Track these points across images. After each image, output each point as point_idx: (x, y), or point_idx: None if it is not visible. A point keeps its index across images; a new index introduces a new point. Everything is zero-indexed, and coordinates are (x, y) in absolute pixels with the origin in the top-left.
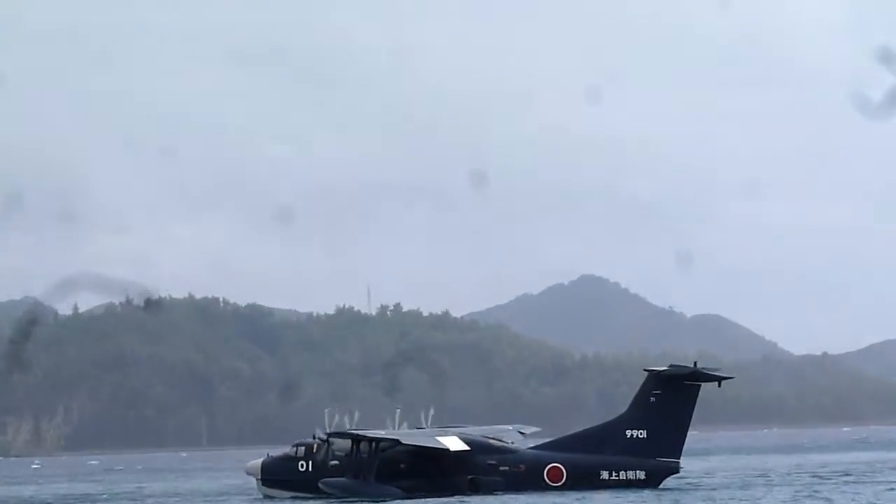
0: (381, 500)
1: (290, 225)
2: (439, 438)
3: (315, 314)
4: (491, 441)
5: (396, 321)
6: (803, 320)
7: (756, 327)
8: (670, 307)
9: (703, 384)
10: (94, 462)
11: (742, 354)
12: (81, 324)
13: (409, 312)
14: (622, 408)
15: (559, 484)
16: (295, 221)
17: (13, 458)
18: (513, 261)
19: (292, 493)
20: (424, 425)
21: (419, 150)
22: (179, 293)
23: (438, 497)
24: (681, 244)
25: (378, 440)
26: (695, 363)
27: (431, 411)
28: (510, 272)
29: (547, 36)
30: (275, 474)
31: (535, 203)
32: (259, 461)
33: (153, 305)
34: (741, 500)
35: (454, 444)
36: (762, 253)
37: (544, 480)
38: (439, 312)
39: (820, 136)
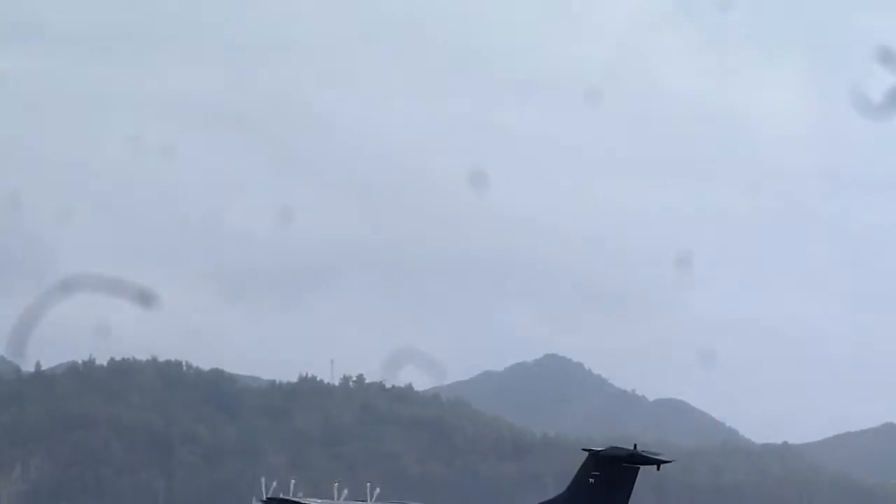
0: None
1: (255, 291)
2: None
3: (277, 382)
4: None
5: (359, 392)
6: (765, 408)
7: (717, 413)
8: (633, 390)
9: (642, 467)
10: None
11: (702, 440)
12: (43, 381)
13: (372, 384)
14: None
15: None
16: (260, 288)
17: None
18: (476, 338)
19: None
20: (368, 500)
21: (382, 219)
22: (142, 355)
23: None
24: (644, 329)
25: None
26: (634, 445)
27: (378, 490)
28: (473, 349)
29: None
30: None
31: (498, 281)
32: None
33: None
34: None
35: None
36: (722, 338)
37: None
38: (402, 385)
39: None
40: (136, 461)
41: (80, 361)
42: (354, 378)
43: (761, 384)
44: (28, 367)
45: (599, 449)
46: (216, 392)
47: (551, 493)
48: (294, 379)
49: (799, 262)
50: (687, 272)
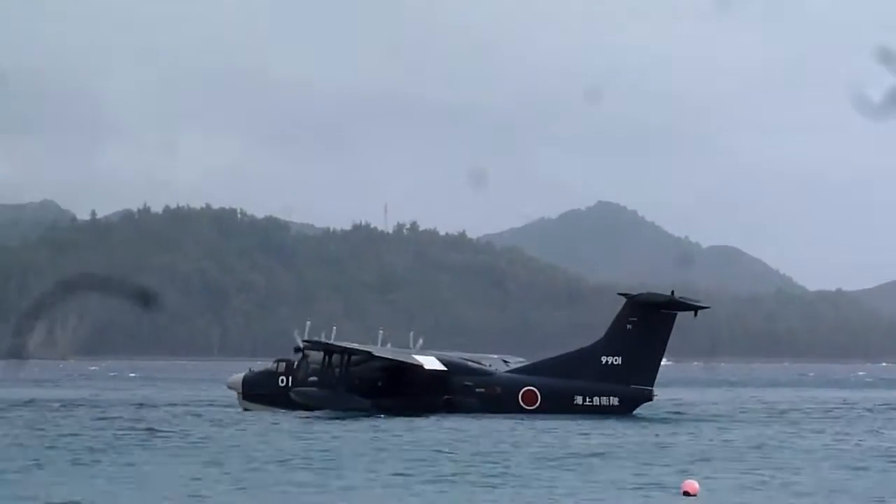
0: (349, 411)
1: (308, 139)
2: (415, 356)
3: (331, 229)
4: (469, 363)
5: (412, 239)
6: (819, 256)
7: (771, 261)
8: (686, 237)
9: (680, 313)
10: (94, 368)
11: (756, 287)
12: (99, 229)
13: (426, 231)
14: None
15: (534, 407)
16: (313, 136)
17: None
18: (529, 185)
19: (272, 408)
20: (411, 347)
21: (438, 68)
22: (197, 203)
23: (414, 415)
24: (699, 175)
25: (350, 352)
26: (672, 291)
27: (421, 341)
28: (526, 196)
29: None
30: (255, 389)
31: (555, 128)
32: (240, 376)
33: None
34: (696, 432)
35: (430, 363)
36: (780, 186)
37: (519, 403)
38: (455, 233)
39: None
40: (191, 309)
41: (135, 210)
42: (408, 225)
43: (816, 231)
44: (83, 215)
45: (636, 294)
46: (270, 240)
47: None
48: (348, 226)
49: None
50: (741, 117)
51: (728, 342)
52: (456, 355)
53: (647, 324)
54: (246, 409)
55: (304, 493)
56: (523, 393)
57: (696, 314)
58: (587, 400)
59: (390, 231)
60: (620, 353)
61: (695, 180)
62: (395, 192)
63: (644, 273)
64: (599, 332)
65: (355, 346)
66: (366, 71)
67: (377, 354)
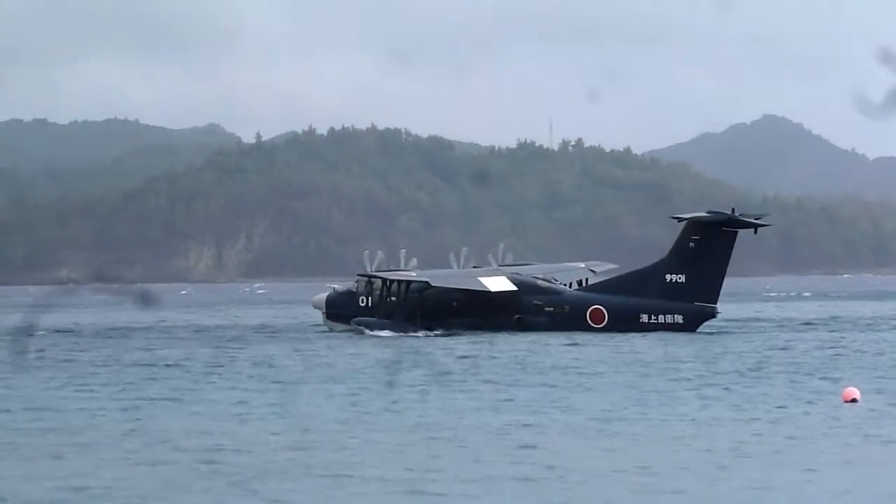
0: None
1: (473, 58)
2: (481, 279)
3: (496, 148)
4: (539, 282)
5: (578, 156)
6: None
7: None
8: (853, 149)
9: (742, 230)
10: (258, 287)
11: None
12: (264, 152)
13: (591, 148)
14: (803, 249)
15: (601, 325)
16: (477, 54)
17: (195, 283)
18: (695, 100)
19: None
20: (493, 264)
21: None
22: (361, 124)
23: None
24: (863, 86)
25: (409, 282)
26: (732, 209)
27: (501, 249)
28: (692, 110)
29: None
30: (338, 308)
31: (718, 43)
32: (324, 295)
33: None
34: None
35: (497, 284)
36: None
37: (587, 321)
38: (620, 149)
39: None
40: (358, 230)
41: (300, 131)
42: (573, 142)
43: None
44: (249, 138)
45: (698, 215)
46: (435, 159)
47: (774, 254)
48: (513, 144)
49: None
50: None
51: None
52: (542, 267)
53: (709, 242)
54: (331, 330)
55: None
56: (591, 311)
57: (755, 231)
58: (652, 318)
59: (555, 148)
60: (684, 272)
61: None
62: (560, 109)
63: (812, 186)
64: (772, 245)
65: (412, 275)
66: None
67: (434, 284)
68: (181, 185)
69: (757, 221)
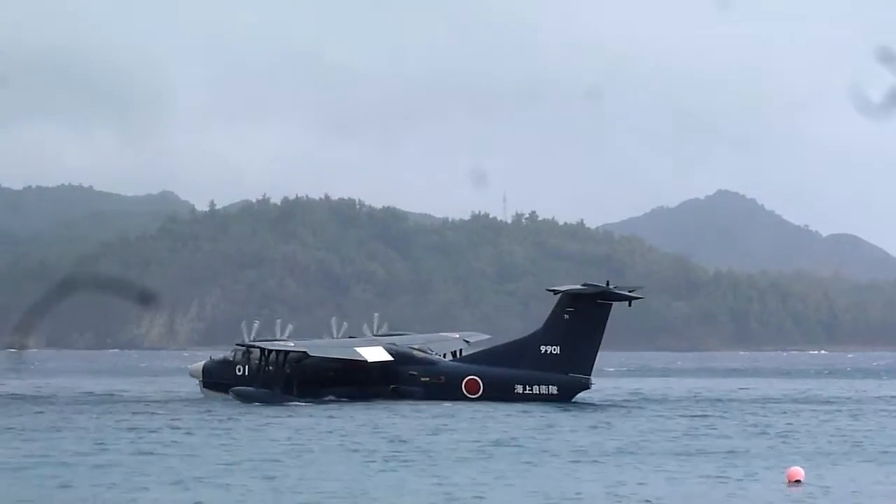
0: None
1: (422, 132)
2: (358, 349)
3: (450, 219)
4: (415, 352)
5: (531, 229)
6: None
7: (891, 248)
8: (806, 225)
9: (616, 303)
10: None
11: (876, 274)
12: (217, 220)
13: (545, 221)
14: (755, 325)
15: (476, 395)
16: (429, 128)
17: (146, 351)
18: (648, 173)
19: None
20: (368, 334)
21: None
22: (315, 194)
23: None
24: (816, 164)
25: (287, 352)
26: (607, 282)
27: (375, 319)
28: (645, 184)
29: None
30: (215, 377)
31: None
32: (201, 364)
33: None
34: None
35: (374, 354)
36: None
37: (462, 392)
38: (573, 223)
39: None
40: (311, 299)
41: (253, 200)
42: (527, 215)
43: None
44: (202, 205)
45: (572, 287)
46: (389, 230)
47: (725, 330)
48: (466, 216)
49: None
50: (860, 104)
51: (849, 331)
52: (418, 337)
53: (584, 315)
54: (208, 398)
55: None
56: (466, 382)
57: (630, 304)
58: (527, 388)
59: (509, 221)
60: (559, 343)
61: (814, 169)
62: (515, 182)
63: (764, 261)
64: (723, 321)
65: (290, 345)
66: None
67: (312, 354)
68: (134, 252)
69: (631, 294)
